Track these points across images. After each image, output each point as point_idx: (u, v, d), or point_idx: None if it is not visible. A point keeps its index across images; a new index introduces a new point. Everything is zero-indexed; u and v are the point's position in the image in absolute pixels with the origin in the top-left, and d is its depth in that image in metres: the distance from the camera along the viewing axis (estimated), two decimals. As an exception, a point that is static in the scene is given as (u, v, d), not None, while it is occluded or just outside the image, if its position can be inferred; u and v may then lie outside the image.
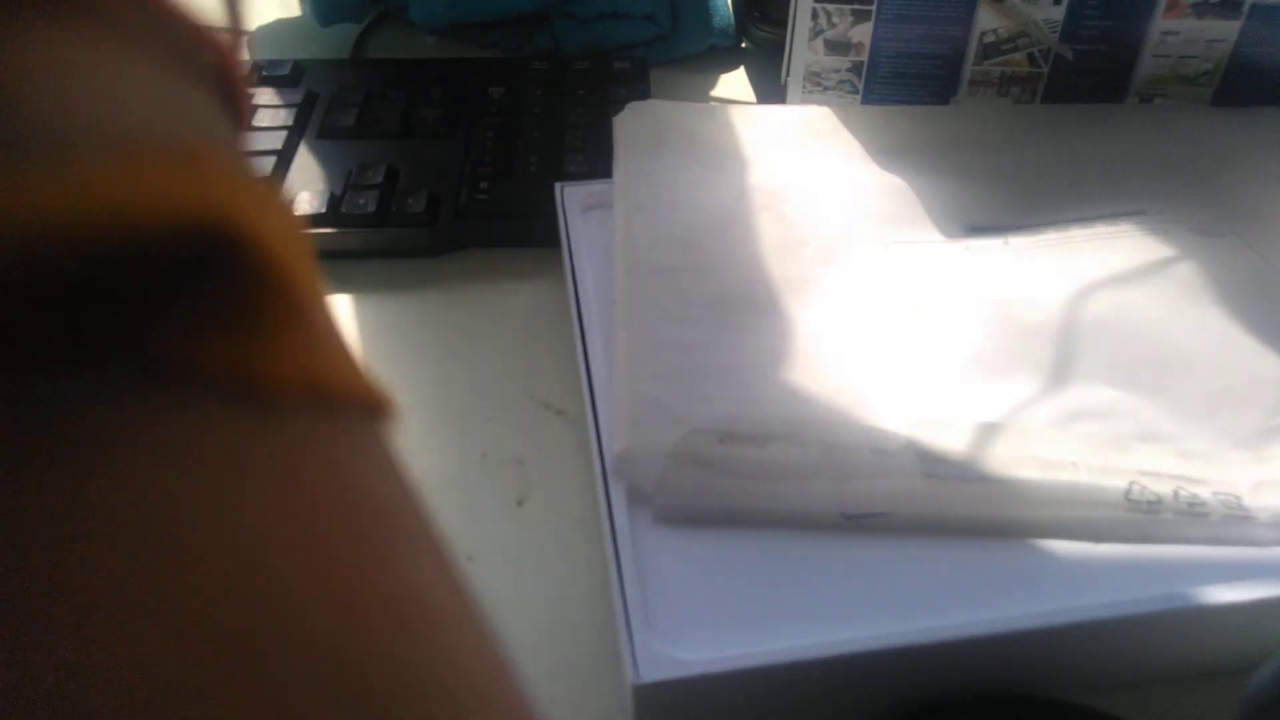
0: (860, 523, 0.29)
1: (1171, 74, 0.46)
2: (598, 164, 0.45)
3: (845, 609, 0.27)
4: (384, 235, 0.43)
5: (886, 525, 0.29)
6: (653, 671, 0.25)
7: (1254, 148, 0.42)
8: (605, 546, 0.29)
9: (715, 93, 0.54)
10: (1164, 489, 0.29)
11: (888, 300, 0.36)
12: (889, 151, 0.42)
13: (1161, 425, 0.31)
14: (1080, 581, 0.27)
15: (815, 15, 0.45)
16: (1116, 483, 0.29)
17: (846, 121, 0.44)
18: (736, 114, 0.44)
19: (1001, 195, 0.40)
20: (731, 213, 0.39)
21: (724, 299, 0.35)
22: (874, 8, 0.44)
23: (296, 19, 0.60)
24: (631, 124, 0.43)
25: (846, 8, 0.45)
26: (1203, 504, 0.29)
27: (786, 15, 0.46)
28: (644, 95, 0.50)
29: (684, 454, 0.30)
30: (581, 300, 0.36)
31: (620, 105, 0.44)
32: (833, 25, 0.45)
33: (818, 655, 0.26)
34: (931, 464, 0.30)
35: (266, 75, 0.51)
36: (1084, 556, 0.28)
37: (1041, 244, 0.38)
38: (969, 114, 0.45)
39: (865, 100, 0.47)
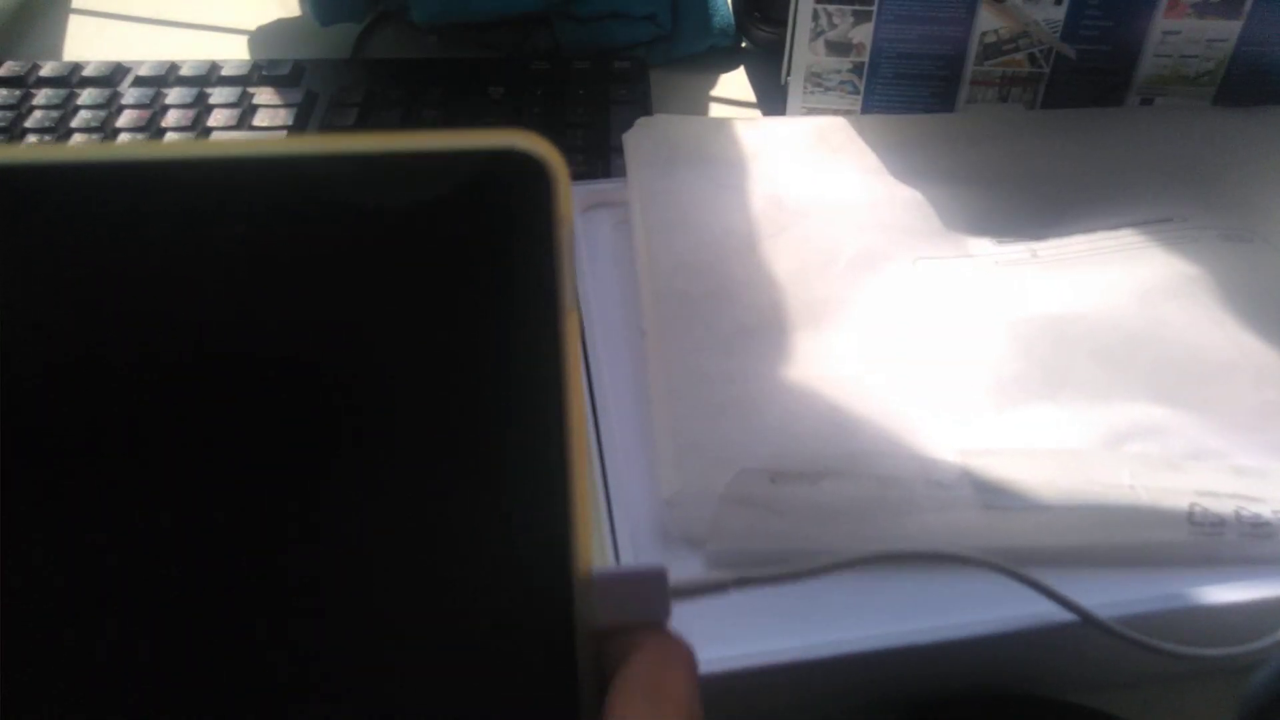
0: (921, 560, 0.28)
1: (1173, 74, 0.46)
2: (598, 164, 0.45)
3: (848, 612, 0.27)
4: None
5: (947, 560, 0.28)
6: None
7: (1269, 147, 0.42)
8: (605, 551, 0.29)
9: (715, 93, 0.54)
10: (1225, 509, 0.29)
11: (921, 320, 0.35)
12: (905, 163, 0.42)
13: (1211, 441, 0.31)
14: (1079, 582, 0.27)
15: (816, 16, 0.45)
16: (1178, 504, 0.29)
17: (861, 133, 0.44)
18: (749, 128, 0.43)
19: (1024, 205, 0.40)
20: (754, 233, 0.38)
21: (756, 325, 0.34)
22: (875, 8, 0.44)
23: (296, 19, 0.60)
24: (642, 141, 0.42)
25: (847, 8, 0.45)
26: (1266, 523, 0.28)
27: (786, 15, 0.46)
28: (644, 95, 0.50)
29: (736, 496, 0.29)
30: (584, 301, 0.36)
31: (620, 105, 0.44)
32: (833, 26, 0.45)
33: (818, 656, 0.26)
34: (990, 494, 0.29)
35: (266, 75, 0.51)
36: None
37: (1070, 255, 0.37)
38: (982, 122, 0.45)
39: (866, 101, 0.47)
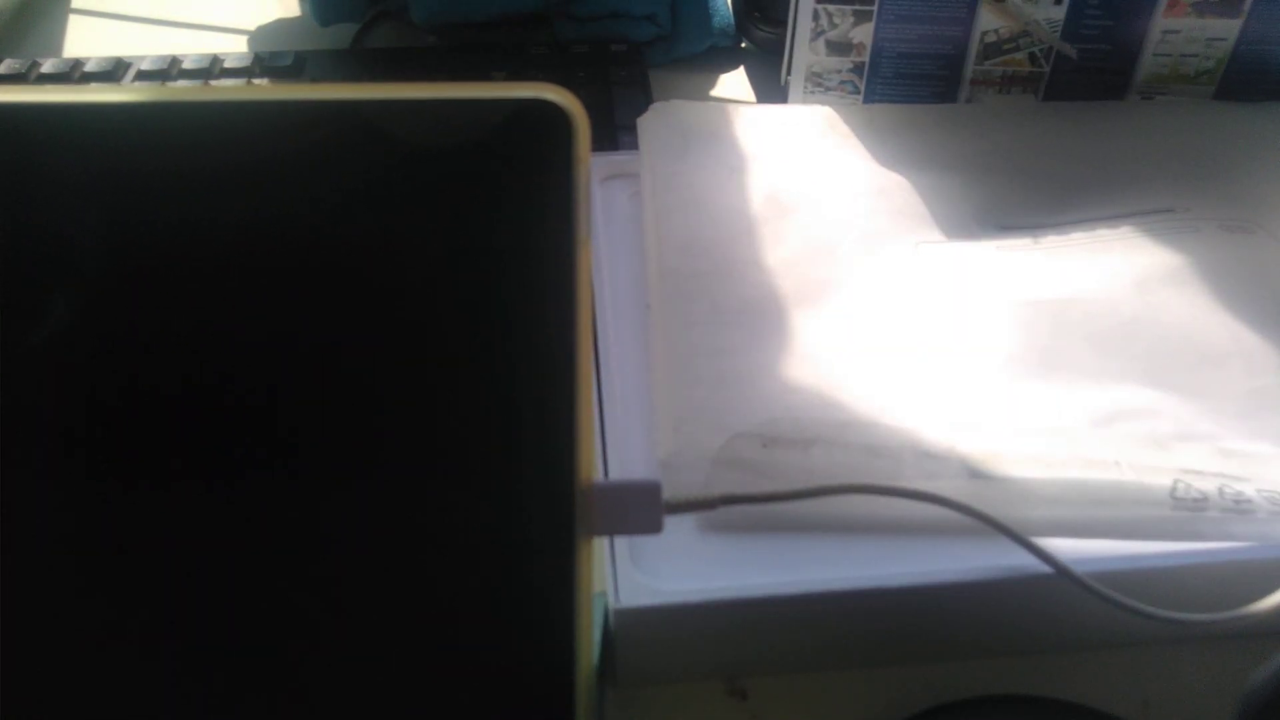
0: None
1: (1172, 72, 0.46)
2: (604, 141, 0.46)
3: (824, 558, 0.28)
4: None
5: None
6: (631, 598, 0.26)
7: (1272, 140, 0.42)
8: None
9: (715, 93, 0.54)
10: (1209, 486, 0.29)
11: (920, 302, 0.35)
12: (911, 150, 0.42)
13: (1200, 425, 0.31)
14: (1060, 549, 0.27)
15: (816, 16, 0.45)
16: (1161, 481, 0.29)
17: (869, 120, 0.44)
18: (762, 114, 0.44)
19: (1027, 193, 0.40)
20: (760, 216, 0.39)
21: (758, 302, 0.35)
22: (875, 8, 0.44)
23: (296, 19, 0.60)
24: (657, 125, 0.43)
25: (848, 8, 0.45)
26: (1248, 501, 0.28)
27: (786, 15, 0.46)
28: (642, 77, 0.51)
29: (729, 459, 0.29)
30: (598, 279, 0.37)
31: (620, 86, 0.44)
32: (834, 26, 0.45)
33: (791, 592, 0.26)
34: (976, 465, 0.29)
35: (268, 67, 0.51)
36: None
37: (1072, 243, 0.38)
38: (988, 112, 0.45)
39: (867, 101, 0.47)
